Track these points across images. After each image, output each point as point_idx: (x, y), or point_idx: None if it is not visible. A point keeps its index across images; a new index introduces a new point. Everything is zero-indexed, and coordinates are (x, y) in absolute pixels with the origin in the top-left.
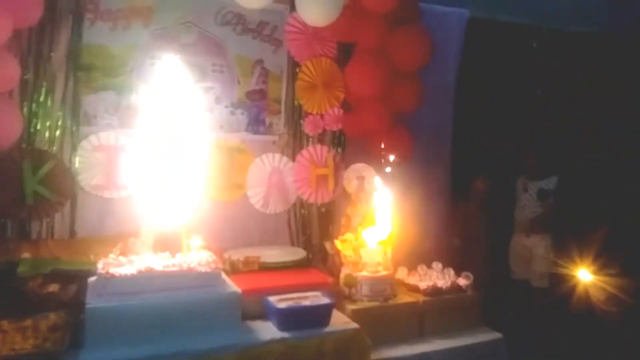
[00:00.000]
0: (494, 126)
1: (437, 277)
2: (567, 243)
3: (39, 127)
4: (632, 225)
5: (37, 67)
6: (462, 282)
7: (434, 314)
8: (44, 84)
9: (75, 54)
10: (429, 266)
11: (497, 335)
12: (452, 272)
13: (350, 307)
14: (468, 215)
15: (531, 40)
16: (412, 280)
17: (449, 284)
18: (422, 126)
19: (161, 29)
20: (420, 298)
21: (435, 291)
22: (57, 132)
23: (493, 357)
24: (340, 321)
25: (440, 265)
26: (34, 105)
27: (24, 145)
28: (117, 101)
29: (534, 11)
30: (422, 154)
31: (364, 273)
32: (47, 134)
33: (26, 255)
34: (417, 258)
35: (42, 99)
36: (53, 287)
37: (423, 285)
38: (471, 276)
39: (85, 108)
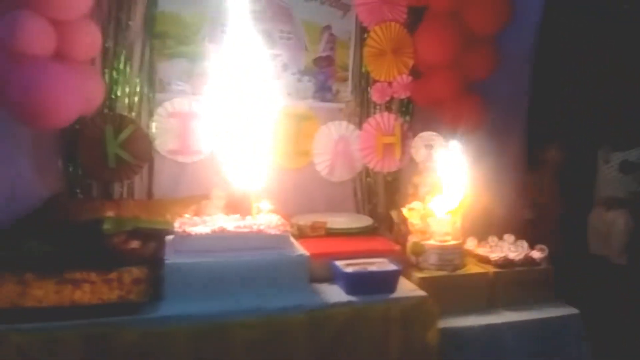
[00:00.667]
0: (576, 92)
1: (509, 248)
2: None
3: (119, 93)
4: None
5: (116, 35)
6: (535, 254)
7: (504, 286)
8: (123, 51)
9: (150, 21)
10: (501, 238)
11: (572, 310)
12: (525, 244)
13: (418, 275)
14: (542, 186)
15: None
16: (483, 251)
17: (521, 256)
18: (496, 93)
19: None
20: (491, 269)
21: (506, 263)
22: (136, 99)
23: (568, 332)
24: (407, 288)
25: (512, 237)
26: (114, 73)
27: (105, 111)
28: (189, 68)
29: None
30: (496, 122)
31: (432, 242)
32: (126, 101)
33: (110, 213)
34: (488, 229)
35: (121, 66)
36: (135, 244)
37: (494, 256)
38: (546, 249)
39: (160, 75)
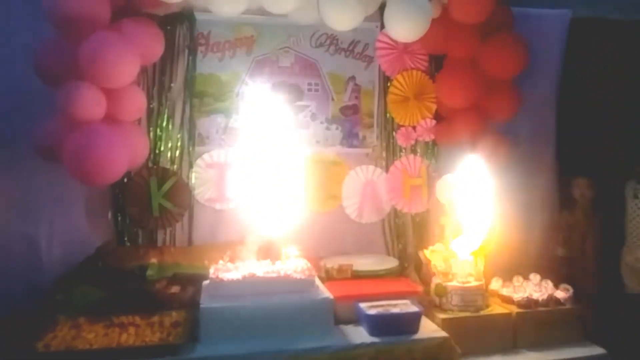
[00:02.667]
0: (601, 130)
1: (533, 288)
2: None
3: (162, 148)
4: None
5: (160, 97)
6: (560, 294)
7: (528, 327)
8: (166, 110)
9: (190, 83)
10: (526, 277)
11: (599, 350)
12: (550, 284)
13: (441, 316)
14: (573, 223)
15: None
16: (507, 291)
17: (545, 296)
18: (520, 133)
19: (262, 55)
20: (514, 310)
21: (530, 303)
22: (177, 152)
23: None
24: (429, 329)
25: (538, 277)
26: (158, 130)
27: (150, 165)
28: (224, 123)
29: None
30: (522, 161)
31: (454, 283)
32: (169, 154)
33: (153, 260)
34: (517, 268)
35: (164, 124)
36: (175, 289)
37: (517, 296)
38: (570, 289)
39: (199, 130)
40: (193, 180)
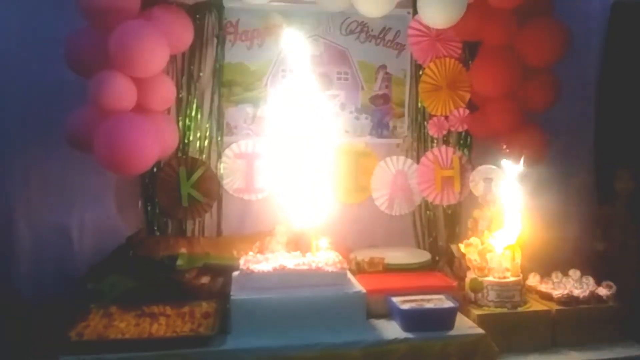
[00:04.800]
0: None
1: (574, 285)
2: None
3: (191, 138)
4: None
5: (189, 86)
6: (602, 291)
7: (568, 325)
8: (195, 100)
9: (219, 72)
10: (565, 273)
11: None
12: (591, 280)
13: (476, 312)
14: (614, 218)
15: None
16: (545, 287)
17: (586, 293)
18: (559, 123)
19: (291, 44)
20: (554, 307)
21: (570, 300)
22: (206, 142)
23: None
24: (465, 325)
25: (578, 273)
26: (187, 120)
27: (179, 155)
28: (253, 112)
29: None
30: (560, 153)
31: (491, 278)
32: (197, 144)
33: (183, 250)
34: (553, 264)
35: (193, 113)
36: (205, 279)
37: (557, 293)
38: (613, 286)
39: (227, 119)
40: (221, 171)
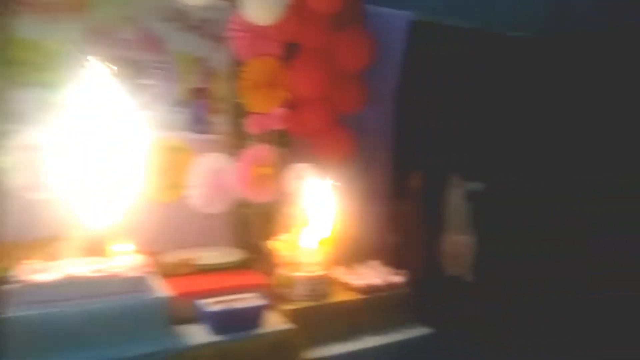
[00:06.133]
0: (434, 127)
1: (373, 275)
2: (493, 241)
3: None
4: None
5: None
6: (395, 279)
7: (369, 312)
8: None
9: (5, 48)
10: (367, 265)
11: (427, 330)
12: (387, 269)
13: (286, 307)
14: (405, 213)
15: (472, 44)
16: (349, 279)
17: (383, 281)
18: (365, 126)
19: (97, 23)
20: (356, 296)
21: (370, 289)
22: None
23: (423, 352)
24: (274, 322)
25: (376, 263)
26: None
27: None
28: (45, 98)
29: (477, 15)
30: (365, 154)
31: (299, 273)
32: None
33: None
34: (357, 257)
35: None
36: None
37: (358, 283)
38: (403, 273)
39: (11, 104)
40: (1, 164)
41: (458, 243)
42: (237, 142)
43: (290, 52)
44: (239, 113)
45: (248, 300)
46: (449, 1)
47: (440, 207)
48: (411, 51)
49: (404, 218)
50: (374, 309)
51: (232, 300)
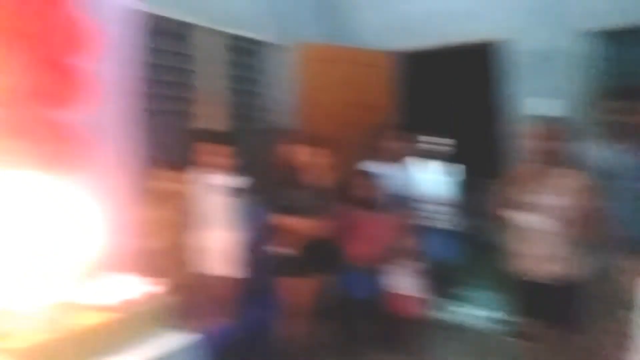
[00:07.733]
0: (168, 122)
1: (125, 287)
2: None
3: None
4: None
5: None
6: (152, 288)
7: (124, 327)
8: None
9: None
10: (117, 277)
11: (193, 337)
12: (142, 279)
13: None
14: (162, 215)
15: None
16: (95, 296)
17: (137, 293)
18: (102, 126)
19: None
20: (107, 314)
21: (122, 304)
22: None
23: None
24: None
25: (129, 275)
26: None
27: None
28: None
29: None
30: (106, 154)
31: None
32: None
33: None
34: (107, 269)
35: None
36: None
37: (108, 300)
38: (164, 280)
39: None
40: None
41: (206, 239)
42: None
43: None
44: None
45: None
46: None
47: (199, 205)
48: (148, 44)
49: (163, 222)
50: (130, 323)
51: None
